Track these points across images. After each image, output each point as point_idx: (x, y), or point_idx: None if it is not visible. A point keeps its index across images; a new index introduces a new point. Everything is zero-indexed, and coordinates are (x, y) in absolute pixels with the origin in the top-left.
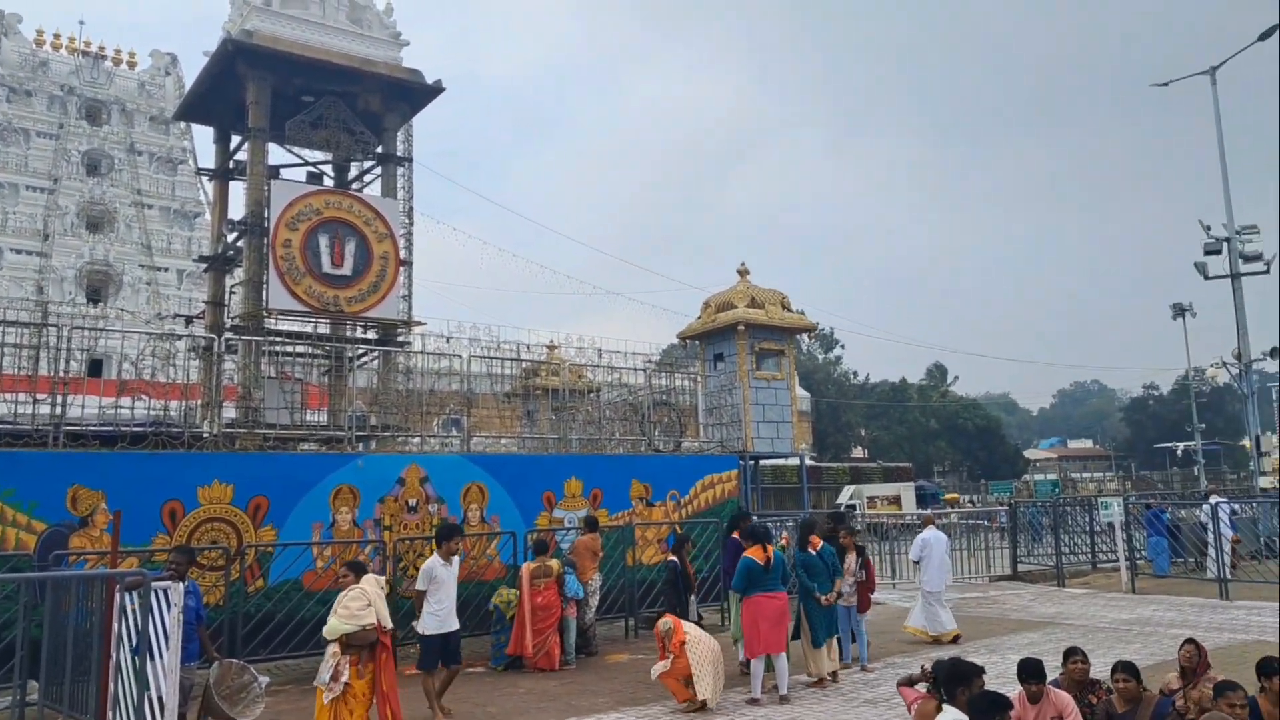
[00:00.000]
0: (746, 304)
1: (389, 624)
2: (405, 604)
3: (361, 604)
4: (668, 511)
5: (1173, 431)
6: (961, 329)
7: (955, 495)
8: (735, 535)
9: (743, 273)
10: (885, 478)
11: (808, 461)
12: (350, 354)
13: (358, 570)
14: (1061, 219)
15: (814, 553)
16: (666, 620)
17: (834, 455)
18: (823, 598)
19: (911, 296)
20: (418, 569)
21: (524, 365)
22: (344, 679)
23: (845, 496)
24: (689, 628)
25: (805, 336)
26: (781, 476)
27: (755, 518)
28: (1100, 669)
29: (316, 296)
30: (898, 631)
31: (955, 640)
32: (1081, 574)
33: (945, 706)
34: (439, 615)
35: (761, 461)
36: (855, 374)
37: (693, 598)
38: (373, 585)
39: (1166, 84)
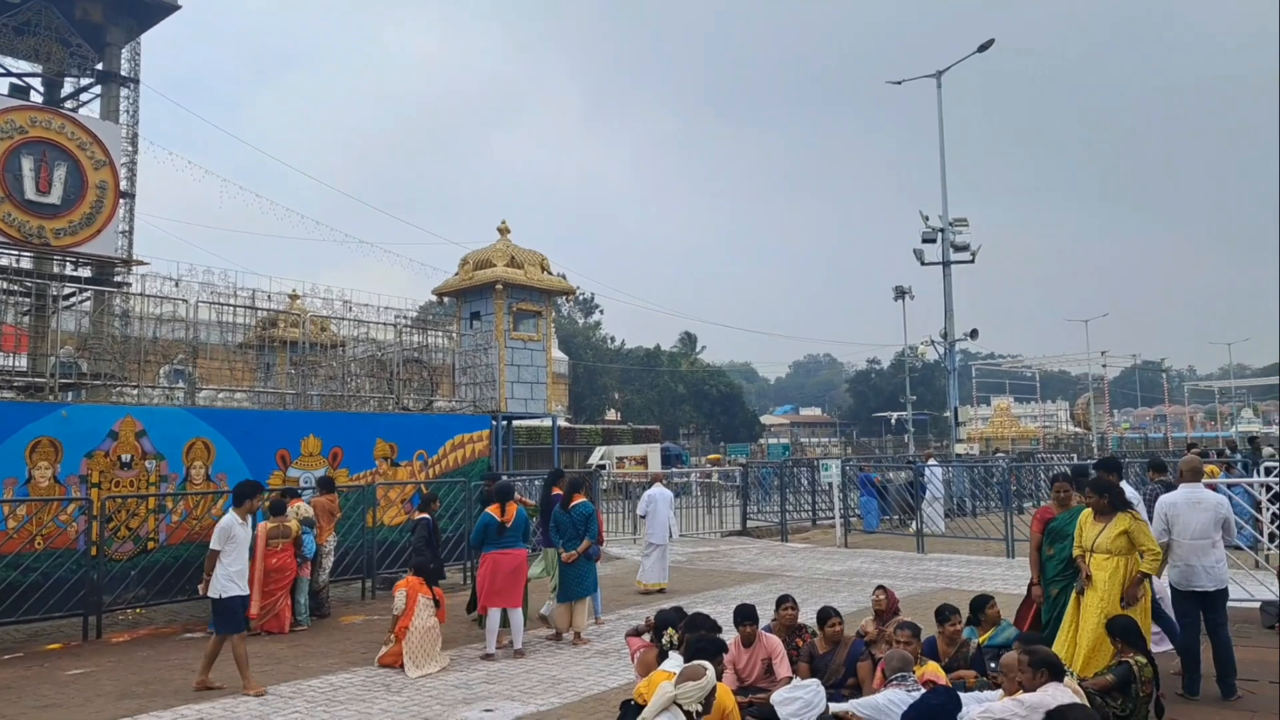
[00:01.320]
0: (506, 263)
1: None
2: (116, 566)
3: None
4: (414, 471)
5: (890, 402)
6: (712, 301)
7: (718, 455)
8: (555, 490)
9: (503, 231)
10: (635, 440)
11: (562, 423)
12: (56, 292)
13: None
14: (808, 202)
15: (564, 511)
16: (401, 596)
17: (589, 417)
18: (565, 554)
19: (668, 267)
20: (130, 529)
21: (261, 314)
22: None
23: (596, 457)
24: (419, 609)
25: (564, 300)
26: (536, 437)
27: (504, 477)
28: (809, 615)
29: (16, 226)
30: (633, 584)
31: (661, 592)
32: (803, 530)
33: (670, 654)
34: (236, 576)
35: (516, 422)
36: (613, 339)
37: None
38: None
39: (900, 82)
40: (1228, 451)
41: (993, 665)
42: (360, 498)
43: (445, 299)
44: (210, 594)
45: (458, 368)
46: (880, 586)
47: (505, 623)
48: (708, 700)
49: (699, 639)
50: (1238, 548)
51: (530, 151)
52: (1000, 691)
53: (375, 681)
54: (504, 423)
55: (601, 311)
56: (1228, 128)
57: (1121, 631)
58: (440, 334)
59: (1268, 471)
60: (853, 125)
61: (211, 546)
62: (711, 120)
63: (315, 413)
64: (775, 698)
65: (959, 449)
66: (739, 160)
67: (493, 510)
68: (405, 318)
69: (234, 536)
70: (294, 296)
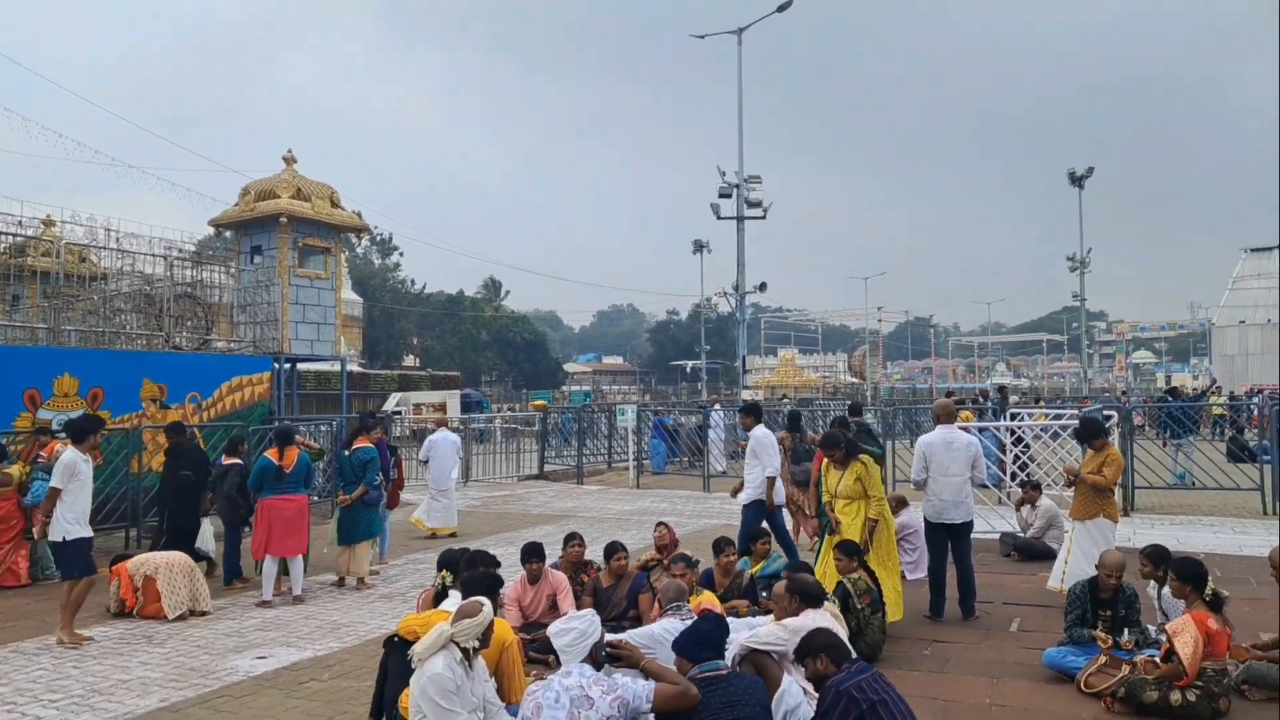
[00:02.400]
0: (291, 195)
1: None
2: None
3: None
4: (186, 415)
5: (687, 351)
6: (518, 248)
7: (541, 403)
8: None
9: (289, 161)
10: (433, 386)
11: (354, 368)
12: None
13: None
14: (613, 151)
15: (348, 454)
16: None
17: (385, 362)
18: (341, 498)
19: (472, 211)
20: None
21: (8, 241)
22: None
23: (392, 403)
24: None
25: (358, 238)
26: (326, 382)
27: (286, 421)
28: (598, 553)
29: None
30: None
31: (453, 536)
32: (599, 472)
33: (450, 592)
34: (81, 517)
35: (304, 366)
36: (413, 282)
37: None
38: None
39: (703, 36)
40: (980, 399)
41: (764, 594)
42: (124, 442)
43: (225, 232)
44: (52, 537)
45: (236, 305)
46: (661, 523)
47: (285, 570)
48: (485, 635)
49: (475, 575)
50: (984, 485)
51: (321, 82)
52: (770, 618)
53: (136, 634)
54: (287, 365)
55: (401, 254)
56: (990, 110)
57: (847, 551)
58: (219, 269)
59: (1012, 417)
60: (655, 76)
61: (53, 484)
62: (510, 61)
63: (71, 349)
64: (551, 629)
65: (745, 395)
66: (539, 104)
67: (271, 454)
68: (181, 250)
69: (78, 474)
70: (48, 223)
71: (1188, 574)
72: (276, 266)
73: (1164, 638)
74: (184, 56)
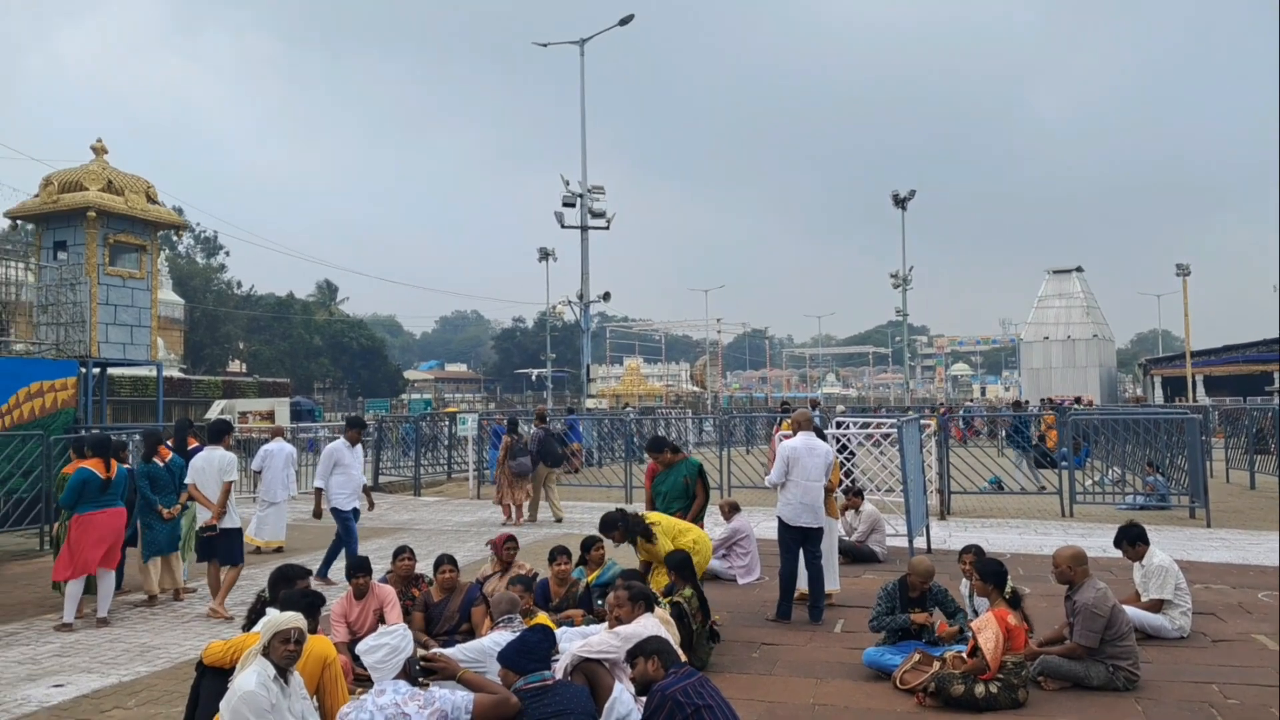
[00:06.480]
0: (101, 187)
1: None
2: None
3: None
4: None
5: (533, 359)
6: (356, 252)
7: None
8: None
9: (99, 150)
10: (261, 393)
11: (176, 373)
12: None
13: None
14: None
15: (161, 464)
16: None
17: (210, 368)
18: (165, 511)
19: (303, 210)
20: None
21: None
22: None
23: (216, 410)
24: None
25: (178, 236)
26: (143, 388)
27: (95, 430)
28: (426, 565)
29: None
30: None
31: (279, 551)
32: (437, 483)
33: (266, 610)
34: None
35: (118, 371)
36: (239, 284)
37: None
38: None
39: (546, 45)
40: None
41: (599, 602)
42: None
43: (19, 224)
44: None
45: (37, 305)
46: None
47: (89, 589)
48: (298, 650)
49: (293, 592)
50: None
51: (104, 62)
52: (604, 626)
53: None
54: (96, 370)
55: (227, 253)
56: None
57: (676, 565)
58: (15, 265)
59: (838, 425)
60: (494, 77)
61: (227, 479)
62: (317, 47)
63: None
64: (360, 647)
65: (589, 404)
66: (357, 96)
67: (93, 465)
68: None
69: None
70: None
71: (988, 573)
72: (84, 264)
73: (971, 634)
74: None
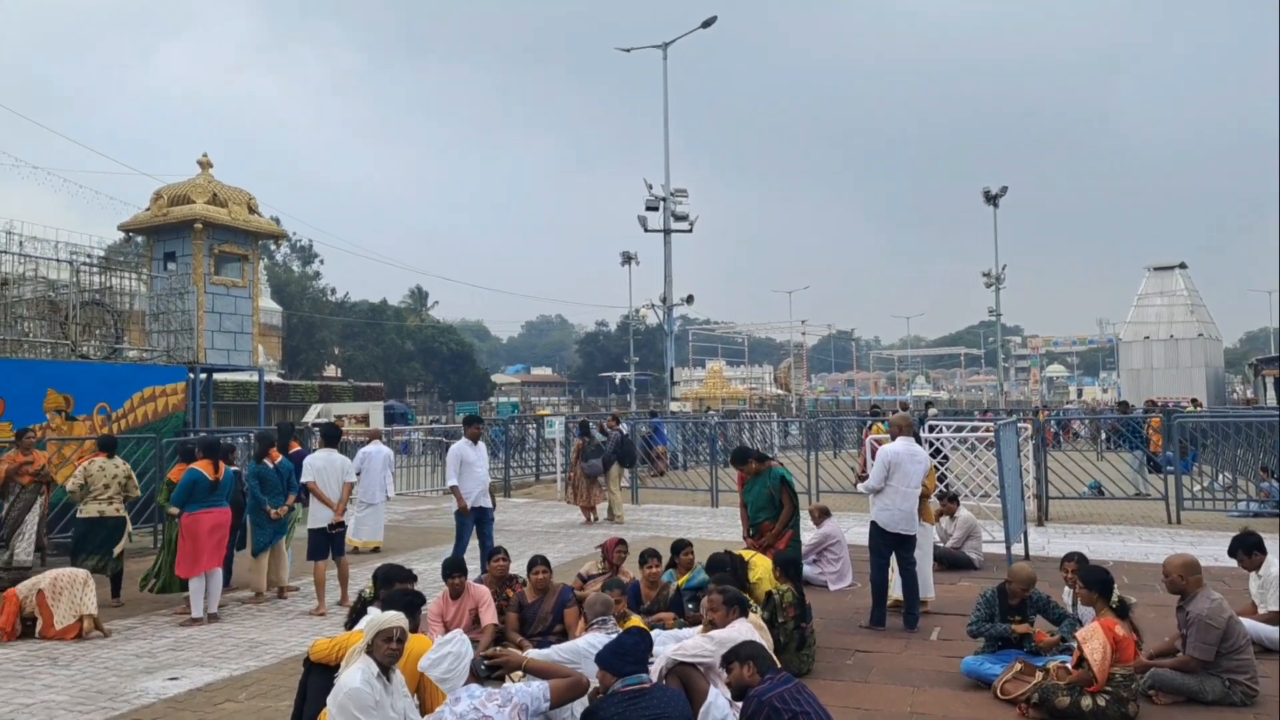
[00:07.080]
0: (207, 200)
1: None
2: None
3: None
4: (94, 426)
5: (616, 363)
6: (445, 258)
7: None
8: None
9: (205, 165)
10: (356, 397)
11: (275, 378)
12: None
13: None
14: (552, 164)
15: (271, 465)
16: None
17: (306, 373)
18: (273, 511)
19: (390, 219)
20: None
21: None
22: None
23: (313, 414)
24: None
25: (276, 245)
26: (244, 392)
27: (203, 433)
28: (521, 566)
29: None
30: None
31: (376, 550)
32: (526, 485)
33: (369, 607)
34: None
35: (221, 376)
36: (334, 291)
37: None
38: None
39: (629, 50)
40: (900, 411)
41: (690, 606)
42: None
43: (135, 237)
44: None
45: (149, 314)
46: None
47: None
48: (399, 649)
49: (393, 593)
50: None
51: (197, 79)
52: (697, 629)
53: (40, 655)
54: (203, 375)
55: (322, 262)
56: (905, 131)
57: (782, 564)
58: (129, 275)
59: (931, 429)
60: (570, 84)
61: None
62: (401, 59)
63: None
64: (422, 664)
65: (674, 407)
66: (438, 107)
67: (203, 466)
68: (88, 256)
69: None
70: None
71: (1093, 582)
72: (191, 274)
73: (1075, 644)
74: (47, 42)
